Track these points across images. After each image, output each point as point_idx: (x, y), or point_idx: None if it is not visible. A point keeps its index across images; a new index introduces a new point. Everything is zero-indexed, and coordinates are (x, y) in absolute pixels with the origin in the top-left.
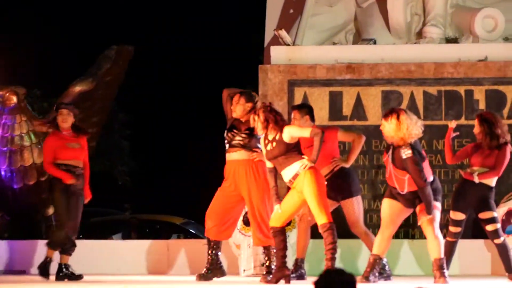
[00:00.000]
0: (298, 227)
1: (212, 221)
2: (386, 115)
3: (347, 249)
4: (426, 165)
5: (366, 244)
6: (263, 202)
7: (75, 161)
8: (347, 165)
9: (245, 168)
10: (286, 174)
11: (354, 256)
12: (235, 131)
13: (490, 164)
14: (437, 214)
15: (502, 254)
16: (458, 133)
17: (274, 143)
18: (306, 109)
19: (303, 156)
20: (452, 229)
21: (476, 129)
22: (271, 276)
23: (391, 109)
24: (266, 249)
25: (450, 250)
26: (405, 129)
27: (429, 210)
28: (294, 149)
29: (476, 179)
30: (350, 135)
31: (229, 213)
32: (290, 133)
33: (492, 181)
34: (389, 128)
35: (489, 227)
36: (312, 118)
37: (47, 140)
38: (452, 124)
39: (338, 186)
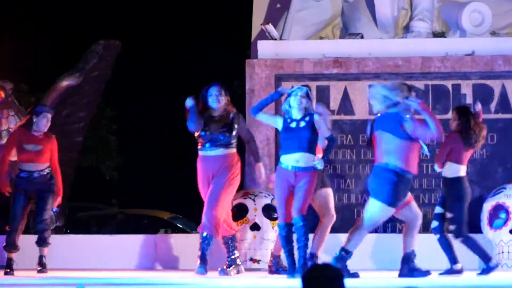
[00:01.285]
0: None
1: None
2: None
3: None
4: None
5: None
6: (227, 192)
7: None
8: None
9: (220, 162)
10: (296, 158)
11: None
12: (211, 128)
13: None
14: None
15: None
16: None
17: (303, 123)
18: None
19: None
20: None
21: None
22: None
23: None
24: (228, 240)
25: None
26: None
27: None
28: (315, 142)
29: (436, 169)
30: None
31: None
32: (319, 121)
33: (456, 172)
34: None
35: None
36: None
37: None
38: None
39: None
